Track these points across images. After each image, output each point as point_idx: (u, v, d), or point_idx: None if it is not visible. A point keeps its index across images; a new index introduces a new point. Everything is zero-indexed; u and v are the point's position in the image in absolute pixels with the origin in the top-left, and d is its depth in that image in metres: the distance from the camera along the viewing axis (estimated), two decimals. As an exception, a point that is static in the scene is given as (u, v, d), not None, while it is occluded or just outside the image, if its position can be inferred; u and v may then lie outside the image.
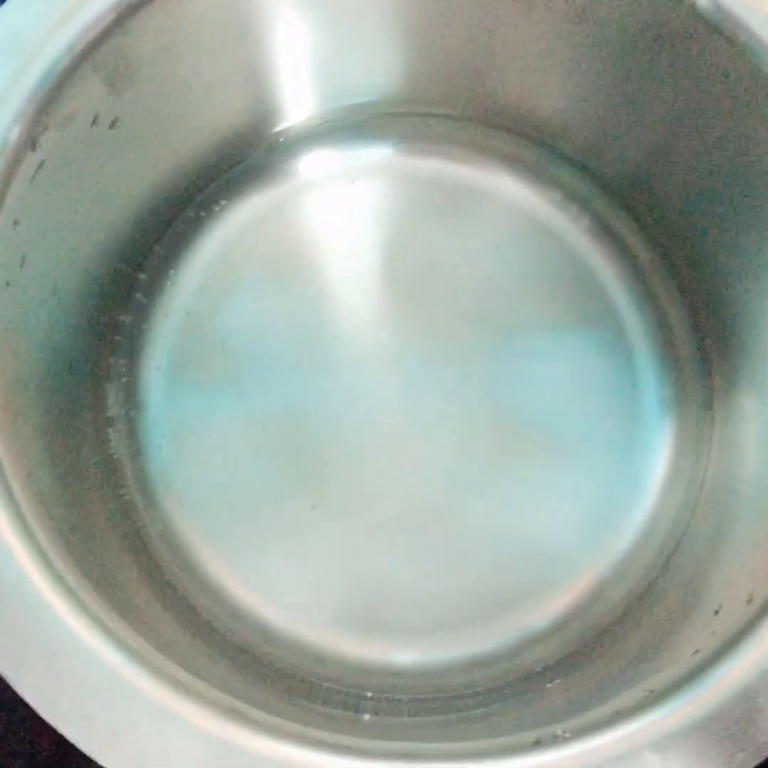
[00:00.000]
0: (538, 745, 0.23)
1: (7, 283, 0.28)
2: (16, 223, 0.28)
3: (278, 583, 0.33)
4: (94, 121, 0.31)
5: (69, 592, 0.24)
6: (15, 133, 0.28)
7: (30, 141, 0.28)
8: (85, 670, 0.23)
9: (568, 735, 0.23)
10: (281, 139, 0.38)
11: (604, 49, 0.32)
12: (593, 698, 0.26)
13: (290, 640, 0.33)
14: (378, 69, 0.36)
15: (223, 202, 0.38)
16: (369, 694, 0.31)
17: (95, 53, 0.29)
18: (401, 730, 0.29)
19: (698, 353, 0.36)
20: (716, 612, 0.26)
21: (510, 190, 0.37)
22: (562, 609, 0.33)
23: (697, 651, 0.24)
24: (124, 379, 0.35)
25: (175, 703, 0.23)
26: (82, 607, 0.24)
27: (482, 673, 0.32)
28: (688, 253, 0.36)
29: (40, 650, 0.23)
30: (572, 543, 0.34)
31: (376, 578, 0.33)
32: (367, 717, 0.30)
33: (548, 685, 0.31)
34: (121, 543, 0.32)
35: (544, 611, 0.33)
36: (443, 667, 0.33)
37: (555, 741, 0.23)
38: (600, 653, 0.32)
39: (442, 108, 0.38)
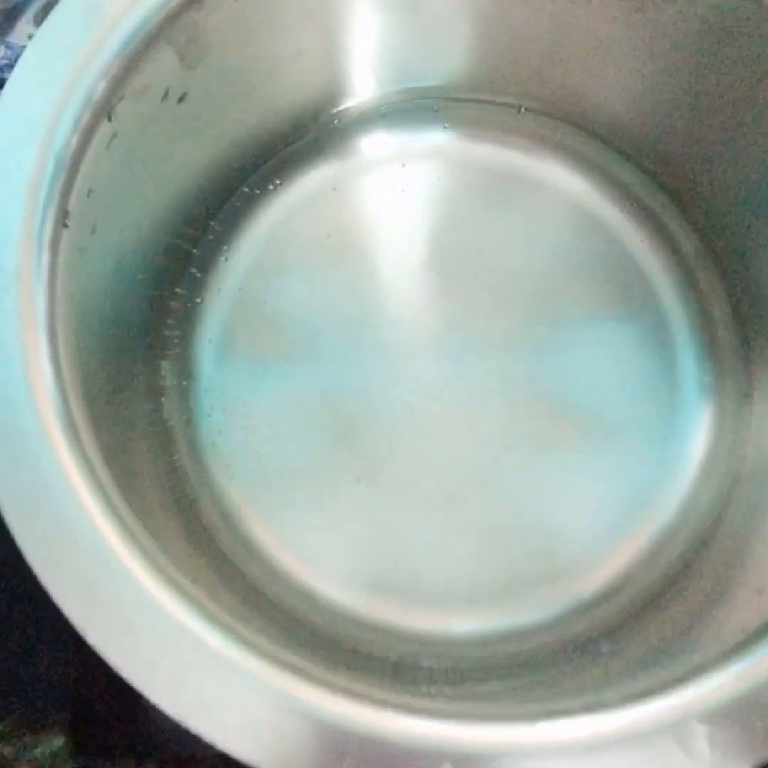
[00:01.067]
0: (587, 710, 0.23)
1: (80, 250, 0.29)
2: (90, 192, 0.29)
3: (323, 551, 0.34)
4: (165, 95, 0.31)
5: (139, 546, 0.24)
6: (94, 102, 0.28)
7: (106, 111, 0.29)
8: (152, 621, 0.24)
9: (613, 702, 0.23)
10: (338, 121, 0.39)
11: (665, 40, 0.33)
12: (642, 667, 0.26)
13: (334, 607, 0.33)
14: (442, 54, 0.37)
15: (277, 181, 0.38)
16: (422, 663, 0.32)
17: (171, 27, 0.30)
18: (449, 696, 0.30)
19: (739, 342, 0.37)
20: (759, 591, 0.27)
21: (561, 181, 0.38)
22: (600, 584, 0.34)
23: (743, 629, 0.25)
24: (177, 351, 0.36)
25: (238, 656, 0.23)
26: (151, 561, 0.24)
27: (530, 642, 0.33)
28: (732, 244, 0.36)
29: (110, 601, 0.24)
30: (609, 523, 0.35)
31: (419, 550, 0.34)
32: (422, 686, 0.30)
33: (591, 656, 0.31)
34: (171, 507, 0.33)
35: (584, 585, 0.34)
36: (491, 636, 0.33)
37: (603, 706, 0.23)
38: (640, 627, 0.32)
39: (501, 96, 0.38)
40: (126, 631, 0.24)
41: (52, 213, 0.28)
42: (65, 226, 0.28)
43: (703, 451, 0.35)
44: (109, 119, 0.29)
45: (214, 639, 0.24)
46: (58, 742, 0.34)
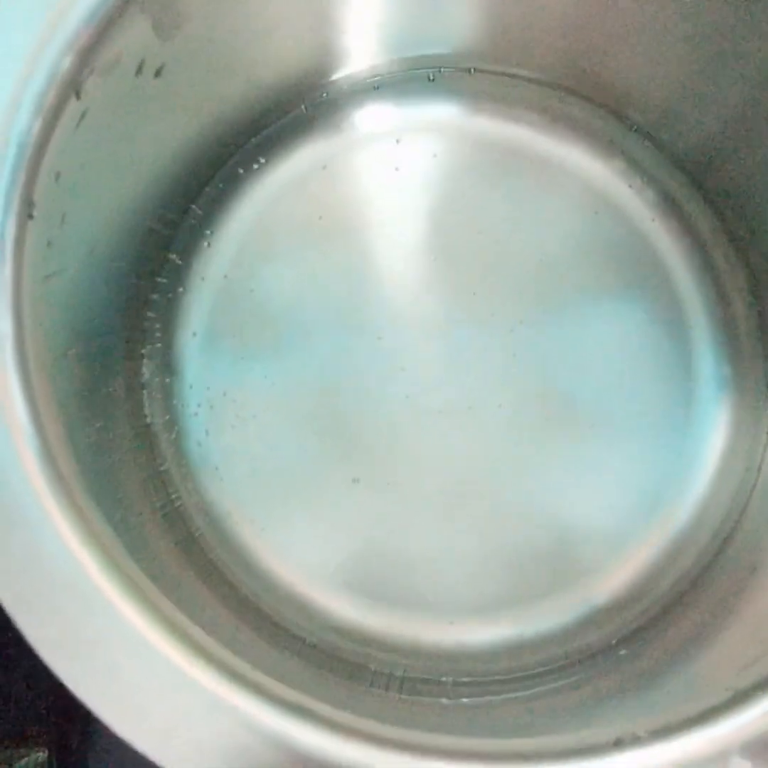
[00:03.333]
0: (618, 745, 0.21)
1: (49, 243, 0.26)
2: (58, 176, 0.26)
3: (319, 560, 0.33)
4: (140, 69, 0.29)
5: (121, 576, 0.22)
6: (59, 78, 0.26)
7: (74, 87, 0.26)
8: (134, 658, 0.22)
9: (646, 735, 0.22)
10: (327, 94, 0.36)
11: (692, 19, 0.30)
12: (660, 677, 0.25)
13: (331, 619, 0.32)
14: (455, 18, 0.34)
15: (263, 160, 0.36)
16: (431, 678, 0.30)
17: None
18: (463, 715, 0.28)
19: (758, 332, 0.35)
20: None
21: (568, 156, 0.36)
22: (614, 591, 0.32)
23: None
24: (158, 345, 0.34)
25: (233, 697, 0.22)
26: (134, 592, 0.22)
27: (540, 653, 0.31)
28: (753, 227, 0.34)
29: (88, 636, 0.22)
30: (622, 525, 0.33)
31: (422, 557, 0.33)
32: (443, 700, 0.29)
33: (612, 662, 0.30)
34: (155, 516, 0.31)
35: (597, 592, 0.32)
36: (499, 648, 0.32)
37: (636, 741, 0.21)
38: (656, 633, 0.31)
39: (517, 68, 0.36)
40: (106, 672, 0.21)
41: (15, 203, 0.25)
42: (31, 216, 0.25)
43: (720, 448, 0.34)
44: (78, 96, 0.26)
45: (199, 672, 0.21)
46: (42, 755, 0.33)
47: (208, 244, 0.35)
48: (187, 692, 0.21)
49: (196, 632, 0.23)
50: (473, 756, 0.20)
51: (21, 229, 0.25)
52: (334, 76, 0.36)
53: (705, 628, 0.29)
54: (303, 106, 0.36)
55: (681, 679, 0.27)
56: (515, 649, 0.32)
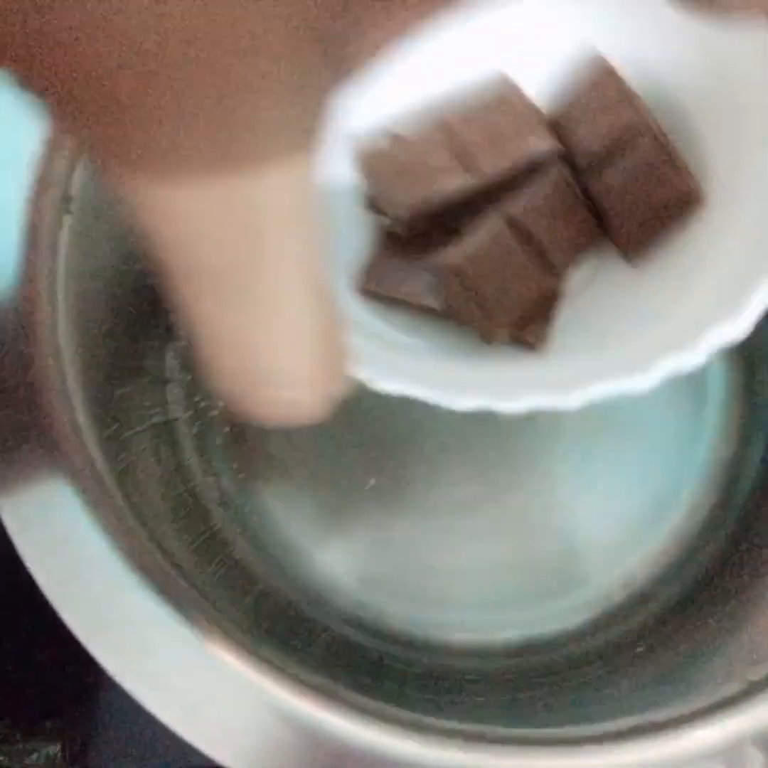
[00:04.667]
0: (635, 733, 0.22)
1: (82, 234, 0.27)
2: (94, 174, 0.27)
3: (338, 557, 0.33)
4: None
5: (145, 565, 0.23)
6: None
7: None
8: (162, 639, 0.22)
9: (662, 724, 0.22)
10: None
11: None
12: (681, 673, 0.25)
13: (347, 613, 0.32)
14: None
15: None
16: (448, 674, 0.31)
17: None
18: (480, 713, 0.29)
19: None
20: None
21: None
22: (625, 593, 0.32)
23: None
24: (184, 342, 0.34)
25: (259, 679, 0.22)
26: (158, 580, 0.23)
27: (553, 653, 0.31)
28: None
29: (119, 619, 0.22)
30: (633, 527, 0.33)
31: (436, 557, 0.33)
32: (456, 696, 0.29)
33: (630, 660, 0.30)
34: (177, 509, 0.31)
35: (608, 593, 0.33)
36: (512, 647, 0.32)
37: (650, 729, 0.22)
38: (669, 633, 0.31)
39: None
40: (138, 651, 0.22)
41: (54, 198, 0.26)
42: (68, 211, 0.26)
43: (732, 452, 0.34)
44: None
45: (227, 655, 0.22)
46: (54, 749, 0.33)
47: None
48: (215, 673, 0.22)
49: (219, 617, 0.23)
50: (496, 741, 0.21)
51: (56, 221, 0.26)
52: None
53: (719, 627, 0.29)
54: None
55: (696, 673, 0.27)
56: (527, 647, 0.32)
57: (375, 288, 0.24)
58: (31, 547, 0.23)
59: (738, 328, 0.20)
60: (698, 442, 0.34)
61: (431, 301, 0.23)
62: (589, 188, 0.24)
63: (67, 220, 0.26)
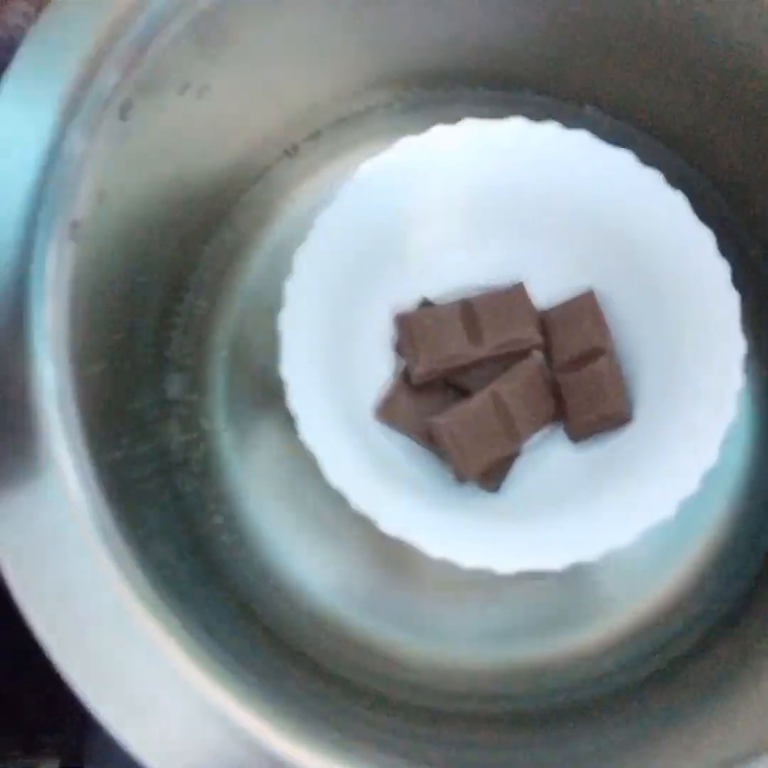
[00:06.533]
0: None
1: (88, 261, 0.27)
2: (102, 197, 0.27)
3: (342, 582, 0.32)
4: (185, 88, 0.29)
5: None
6: (106, 98, 0.26)
7: (120, 107, 0.26)
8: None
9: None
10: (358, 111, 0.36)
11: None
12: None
13: (352, 641, 0.32)
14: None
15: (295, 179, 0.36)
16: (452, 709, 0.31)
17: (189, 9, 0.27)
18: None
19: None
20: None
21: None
22: (637, 616, 0.32)
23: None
24: (187, 361, 0.34)
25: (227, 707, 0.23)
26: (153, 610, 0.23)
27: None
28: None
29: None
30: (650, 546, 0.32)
31: (435, 580, 0.32)
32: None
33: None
34: (176, 534, 0.31)
35: (622, 622, 0.32)
36: (515, 677, 0.32)
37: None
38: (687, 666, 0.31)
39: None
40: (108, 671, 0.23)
41: (58, 223, 0.25)
42: (73, 239, 0.26)
43: (748, 459, 0.33)
44: (123, 117, 0.27)
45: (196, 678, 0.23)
46: (53, 764, 0.33)
47: (240, 263, 0.35)
48: (186, 699, 0.22)
49: (199, 640, 0.24)
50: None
51: (61, 250, 0.25)
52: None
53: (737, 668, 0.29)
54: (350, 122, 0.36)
55: (709, 720, 0.27)
56: (529, 675, 0.31)
57: (389, 419, 0.31)
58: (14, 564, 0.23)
59: (664, 514, 0.27)
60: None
61: (426, 442, 0.31)
62: (557, 380, 0.31)
63: (72, 246, 0.26)
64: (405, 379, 0.32)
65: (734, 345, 0.29)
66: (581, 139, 0.31)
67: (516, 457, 0.31)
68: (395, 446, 0.31)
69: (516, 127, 0.31)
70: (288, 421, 0.29)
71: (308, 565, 0.32)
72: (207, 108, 0.30)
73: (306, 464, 0.28)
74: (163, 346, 0.34)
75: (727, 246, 0.30)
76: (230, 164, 0.34)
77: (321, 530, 0.33)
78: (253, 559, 0.32)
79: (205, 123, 0.31)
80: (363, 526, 0.28)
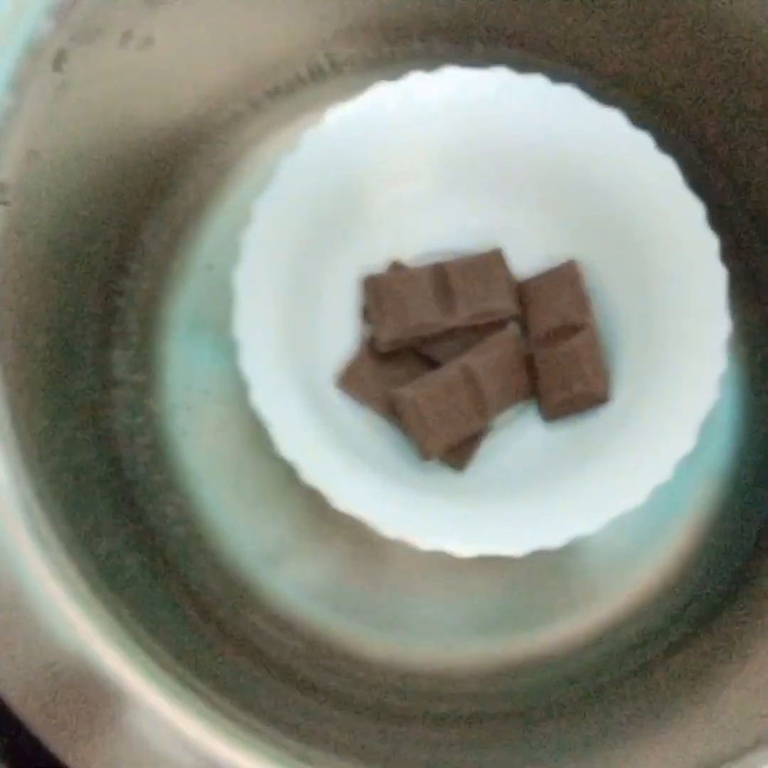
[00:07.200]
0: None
1: (17, 231, 0.25)
2: (33, 156, 0.25)
3: (312, 580, 0.31)
4: (125, 39, 0.27)
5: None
6: (37, 47, 0.24)
7: (53, 58, 0.25)
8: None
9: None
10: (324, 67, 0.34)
11: None
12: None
13: (325, 645, 0.30)
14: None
15: (251, 136, 0.33)
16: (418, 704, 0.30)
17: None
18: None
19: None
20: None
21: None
22: (624, 607, 0.31)
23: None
24: (133, 339, 0.32)
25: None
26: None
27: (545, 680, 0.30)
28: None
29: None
30: (634, 535, 0.31)
31: (417, 576, 0.31)
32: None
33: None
34: (126, 532, 0.30)
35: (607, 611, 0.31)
36: (502, 672, 0.30)
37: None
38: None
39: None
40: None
41: None
42: (4, 203, 0.24)
43: (735, 454, 0.32)
44: (57, 69, 0.25)
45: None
46: None
47: (192, 232, 0.33)
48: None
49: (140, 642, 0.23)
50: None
51: None
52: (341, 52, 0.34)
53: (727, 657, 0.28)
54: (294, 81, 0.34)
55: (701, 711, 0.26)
56: (513, 672, 0.30)
57: (351, 388, 0.29)
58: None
59: (634, 501, 0.26)
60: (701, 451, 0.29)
61: (389, 413, 0.29)
62: (532, 354, 0.29)
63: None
64: (370, 347, 0.30)
65: (719, 325, 0.27)
66: (569, 94, 0.29)
67: (484, 435, 0.29)
68: (358, 419, 0.29)
69: (500, 77, 0.29)
70: (246, 403, 0.26)
71: (264, 557, 0.31)
72: (153, 60, 0.28)
73: (264, 446, 0.26)
74: (108, 321, 0.32)
75: (716, 220, 0.29)
76: (183, 122, 0.32)
77: (279, 517, 0.31)
78: (206, 550, 0.31)
79: (151, 77, 0.29)
80: (328, 512, 0.26)
